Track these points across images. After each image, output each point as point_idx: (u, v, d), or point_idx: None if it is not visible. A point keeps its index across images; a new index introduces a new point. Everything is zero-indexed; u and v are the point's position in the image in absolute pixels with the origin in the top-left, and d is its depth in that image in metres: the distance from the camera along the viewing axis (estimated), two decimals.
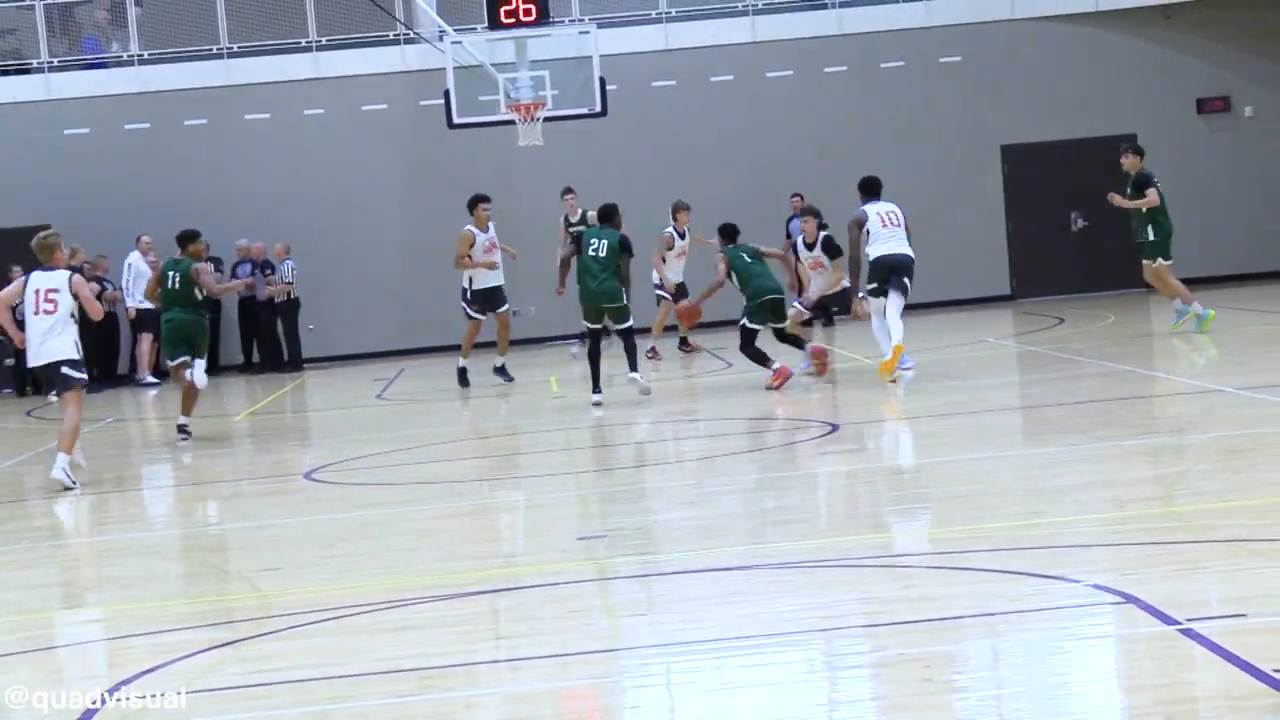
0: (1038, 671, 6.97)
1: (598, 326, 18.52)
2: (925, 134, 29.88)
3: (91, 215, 28.86)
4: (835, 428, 15.01)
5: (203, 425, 19.09)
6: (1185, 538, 9.12)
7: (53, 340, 15.09)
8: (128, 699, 7.35)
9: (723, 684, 7.24)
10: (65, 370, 15.13)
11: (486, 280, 21.40)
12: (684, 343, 24.30)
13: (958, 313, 28.41)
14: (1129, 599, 7.71)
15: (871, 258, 18.15)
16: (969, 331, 24.45)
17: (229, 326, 29.16)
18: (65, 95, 29.62)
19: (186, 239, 18.65)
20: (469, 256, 21.23)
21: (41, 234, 15.62)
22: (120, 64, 29.97)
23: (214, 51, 29.75)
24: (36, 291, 15.22)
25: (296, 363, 28.67)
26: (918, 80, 30.01)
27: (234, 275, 28.50)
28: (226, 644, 8.37)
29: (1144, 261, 21.32)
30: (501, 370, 21.81)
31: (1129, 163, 21.47)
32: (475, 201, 21.60)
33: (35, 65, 29.93)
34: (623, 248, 18.32)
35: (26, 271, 16.71)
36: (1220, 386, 15.58)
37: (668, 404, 18.60)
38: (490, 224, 21.53)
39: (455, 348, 24.31)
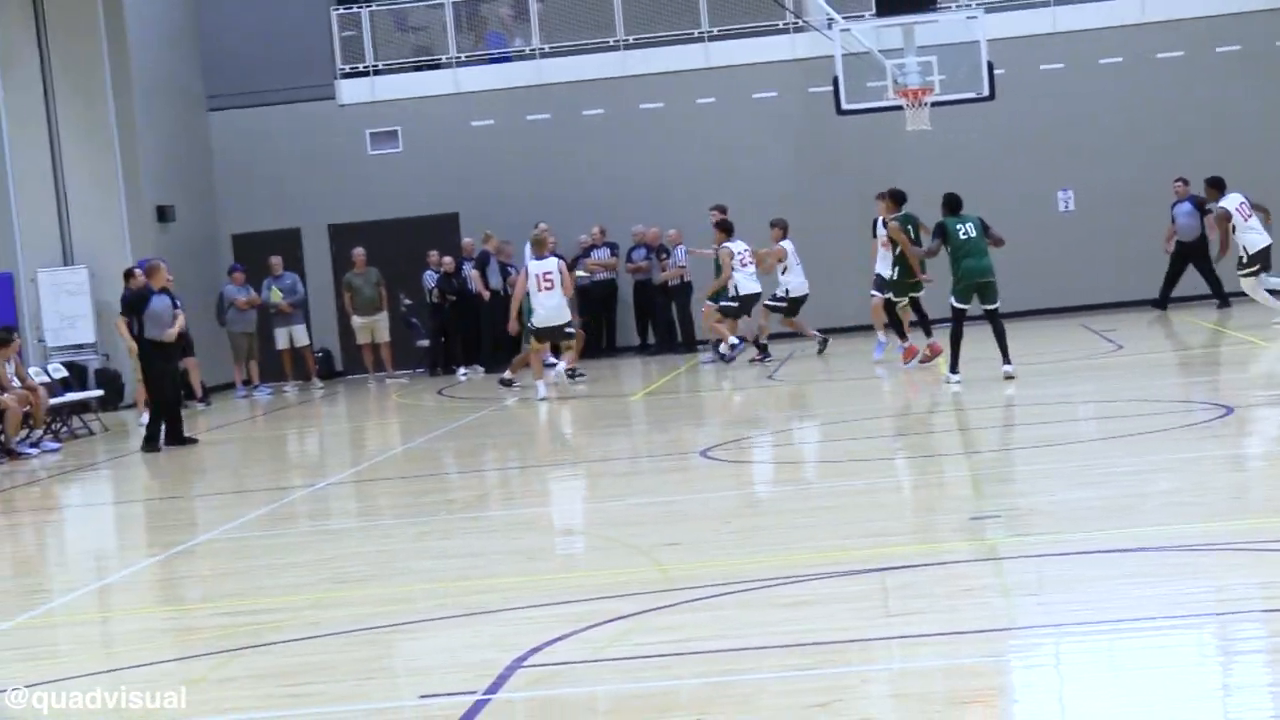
0: None
1: (965, 306, 18.45)
2: None
3: (496, 203, 29.66)
4: (1230, 410, 14.59)
5: (604, 404, 19.41)
6: None
7: (554, 309, 21.53)
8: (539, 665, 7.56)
9: (1114, 666, 7.12)
10: (566, 329, 21.91)
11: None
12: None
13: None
14: None
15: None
16: None
17: (624, 308, 29.64)
18: (471, 89, 30.45)
19: None
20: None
21: (535, 229, 22.57)
22: (522, 58, 30.69)
23: (611, 44, 30.23)
24: (537, 276, 21.56)
25: (690, 344, 28.96)
26: None
27: (629, 259, 29.03)
28: (631, 615, 8.53)
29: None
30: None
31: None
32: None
33: (444, 60, 30.84)
34: (984, 229, 18.49)
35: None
36: None
37: (1046, 386, 18.29)
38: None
39: (845, 328, 24.41)
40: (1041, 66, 29.34)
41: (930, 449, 14.26)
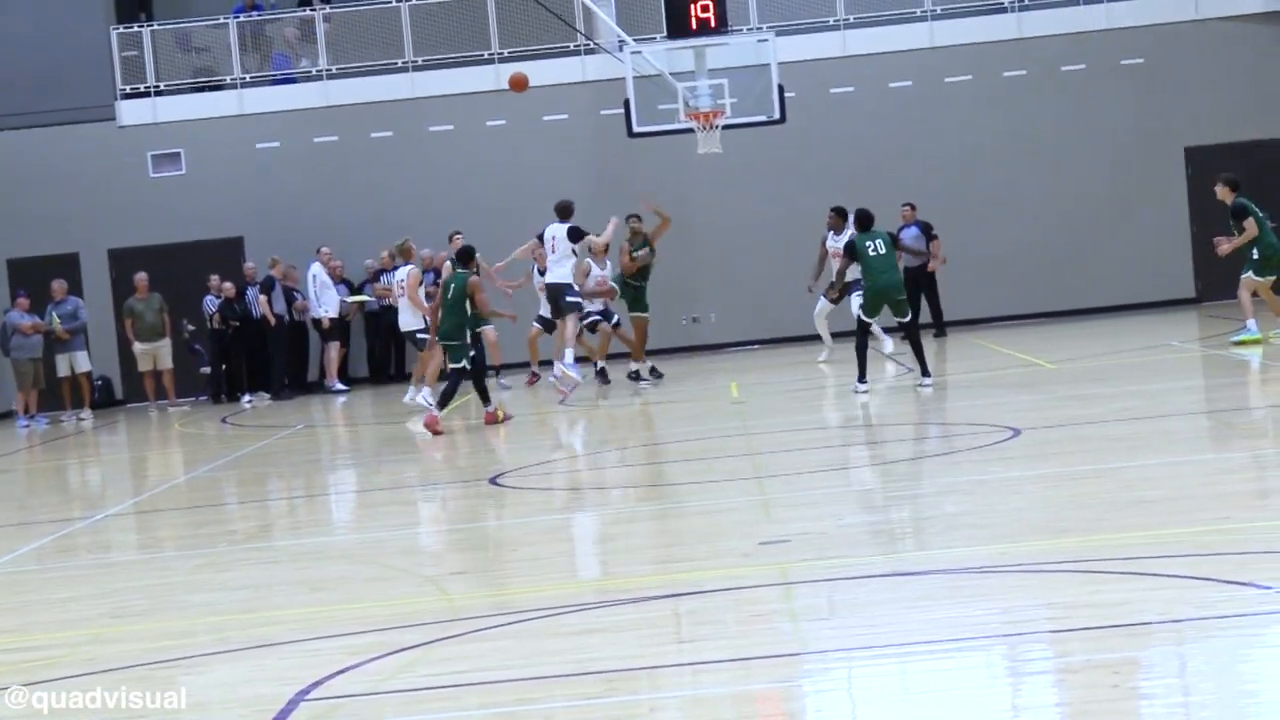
0: (1226, 679, 6.85)
1: (870, 320, 19.67)
2: (1107, 136, 29.47)
3: (281, 227, 29.39)
4: (1017, 432, 14.85)
5: (393, 429, 19.29)
6: None
7: (406, 315, 22.47)
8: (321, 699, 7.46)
9: (906, 689, 7.18)
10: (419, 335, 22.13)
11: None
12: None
13: (1141, 316, 27.97)
14: None
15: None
16: (1152, 335, 24.06)
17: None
18: (256, 110, 30.13)
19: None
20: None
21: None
22: (309, 79, 30.42)
23: (399, 65, 30.08)
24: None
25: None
26: (1099, 82, 29.61)
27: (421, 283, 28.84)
28: (417, 645, 8.45)
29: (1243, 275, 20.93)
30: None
31: (1222, 193, 21.20)
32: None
33: (229, 81, 30.47)
34: (893, 244, 19.41)
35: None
36: None
37: (827, 410, 18.52)
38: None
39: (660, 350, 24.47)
40: (832, 89, 29.72)
41: (726, 472, 14.30)
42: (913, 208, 27.20)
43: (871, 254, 18.96)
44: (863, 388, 19.14)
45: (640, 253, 23.36)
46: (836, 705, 7.05)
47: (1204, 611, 7.89)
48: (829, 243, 23.39)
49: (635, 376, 23.43)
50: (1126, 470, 12.73)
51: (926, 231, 26.94)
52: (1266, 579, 8.26)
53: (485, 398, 19.74)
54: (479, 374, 20.07)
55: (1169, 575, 8.60)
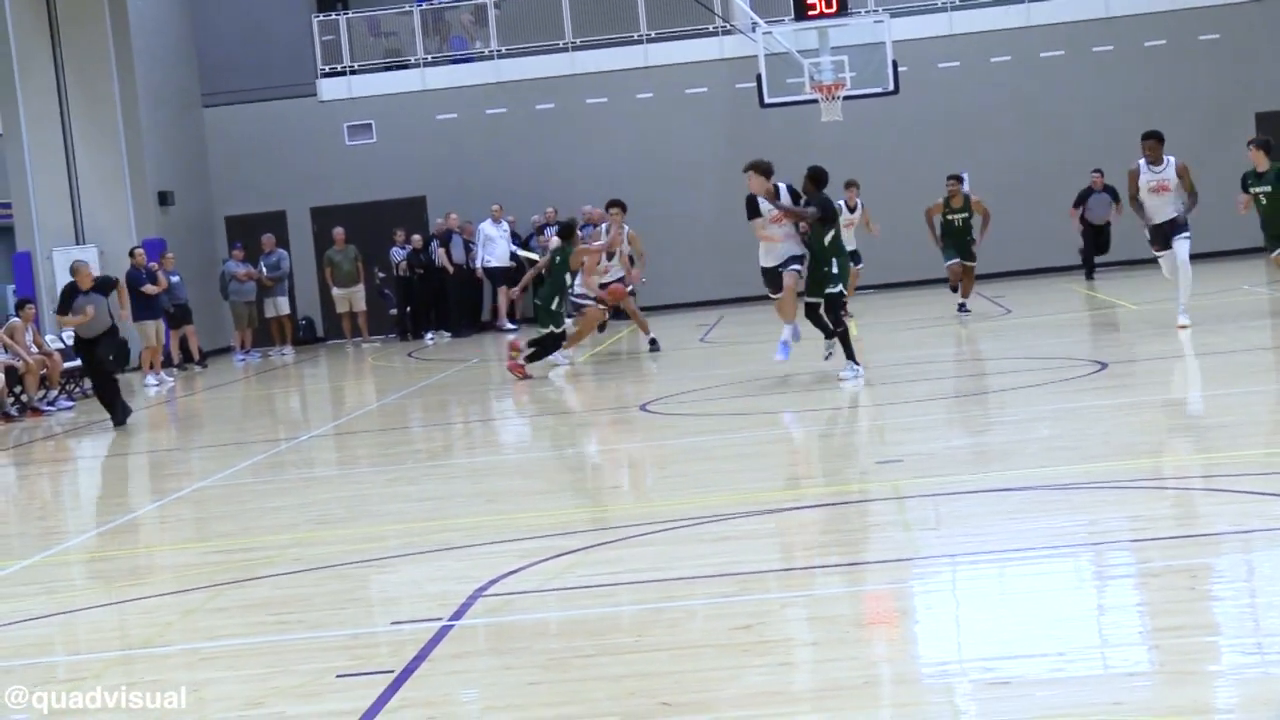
0: None
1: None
2: (1185, 105, 28.89)
3: (457, 188, 29.66)
4: (1104, 365, 14.65)
5: (551, 365, 19.36)
6: None
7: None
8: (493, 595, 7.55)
9: (1003, 591, 7.14)
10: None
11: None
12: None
13: (1219, 263, 27.44)
14: None
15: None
16: (1226, 280, 23.61)
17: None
18: (436, 86, 30.34)
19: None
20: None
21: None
22: (482, 58, 30.58)
23: (560, 45, 30.13)
24: None
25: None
26: (1179, 56, 29.03)
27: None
28: (576, 550, 8.51)
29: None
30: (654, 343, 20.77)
31: (1255, 157, 18.23)
32: (609, 206, 21.36)
33: (413, 61, 30.68)
34: None
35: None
36: None
37: (940, 346, 18.36)
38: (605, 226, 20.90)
39: (761, 298, 24.42)
40: (940, 64, 29.38)
41: (843, 402, 14.25)
42: (1101, 174, 26.58)
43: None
44: (850, 374, 15.12)
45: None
46: (941, 604, 7.03)
47: (1271, 524, 7.77)
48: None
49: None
50: (1201, 399, 12.54)
51: (1114, 195, 26.13)
52: None
53: (534, 356, 18.69)
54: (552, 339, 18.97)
55: (1239, 491, 8.47)
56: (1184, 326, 16.75)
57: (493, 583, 7.77)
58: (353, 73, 30.59)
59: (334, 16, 30.89)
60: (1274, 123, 28.72)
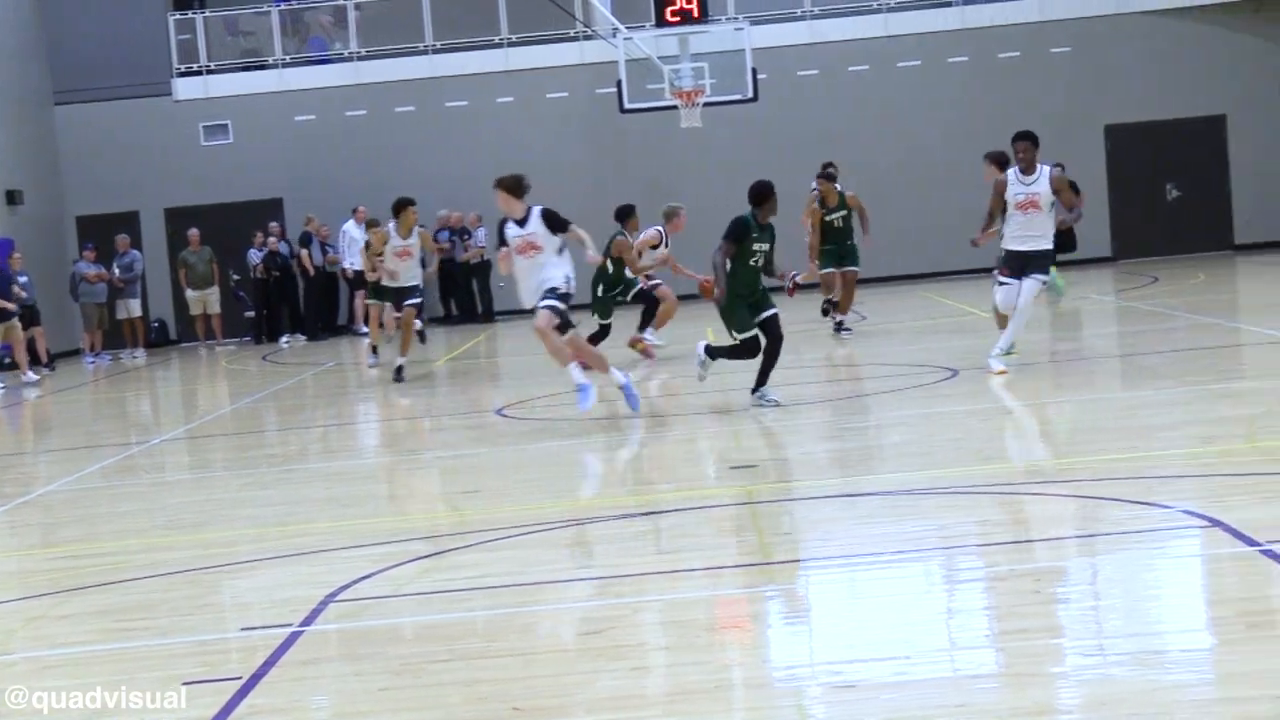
0: (1132, 586, 6.89)
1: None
2: (1038, 117, 29.37)
3: (317, 190, 29.40)
4: (955, 372, 14.86)
5: (410, 368, 19.25)
6: (1266, 470, 8.94)
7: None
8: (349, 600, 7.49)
9: (854, 595, 7.22)
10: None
11: (395, 282, 18.77)
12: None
13: (1065, 272, 27.95)
14: (1215, 523, 7.59)
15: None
16: (1075, 289, 24.06)
17: (429, 283, 29.41)
18: (295, 87, 30.07)
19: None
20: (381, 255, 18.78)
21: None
22: (342, 60, 30.35)
23: (421, 48, 30.00)
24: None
25: (488, 315, 28.90)
26: (1032, 69, 29.56)
27: (434, 240, 28.77)
28: (431, 555, 8.48)
29: None
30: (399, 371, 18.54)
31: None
32: (402, 205, 18.84)
33: (271, 61, 30.38)
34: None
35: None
36: None
37: (795, 353, 18.51)
38: (414, 230, 18.88)
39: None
40: (799, 73, 29.65)
41: (699, 409, 14.29)
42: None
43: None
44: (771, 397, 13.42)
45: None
46: (792, 609, 7.08)
47: (1113, 528, 7.93)
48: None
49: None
50: (1048, 406, 12.76)
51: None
52: (1167, 499, 8.31)
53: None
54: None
55: (1084, 496, 8.64)
56: (1002, 372, 14.16)
57: (345, 588, 7.72)
58: (209, 72, 30.23)
59: (190, 15, 30.51)
60: (1123, 134, 29.44)
